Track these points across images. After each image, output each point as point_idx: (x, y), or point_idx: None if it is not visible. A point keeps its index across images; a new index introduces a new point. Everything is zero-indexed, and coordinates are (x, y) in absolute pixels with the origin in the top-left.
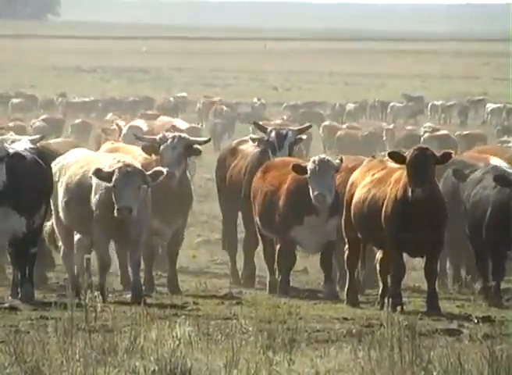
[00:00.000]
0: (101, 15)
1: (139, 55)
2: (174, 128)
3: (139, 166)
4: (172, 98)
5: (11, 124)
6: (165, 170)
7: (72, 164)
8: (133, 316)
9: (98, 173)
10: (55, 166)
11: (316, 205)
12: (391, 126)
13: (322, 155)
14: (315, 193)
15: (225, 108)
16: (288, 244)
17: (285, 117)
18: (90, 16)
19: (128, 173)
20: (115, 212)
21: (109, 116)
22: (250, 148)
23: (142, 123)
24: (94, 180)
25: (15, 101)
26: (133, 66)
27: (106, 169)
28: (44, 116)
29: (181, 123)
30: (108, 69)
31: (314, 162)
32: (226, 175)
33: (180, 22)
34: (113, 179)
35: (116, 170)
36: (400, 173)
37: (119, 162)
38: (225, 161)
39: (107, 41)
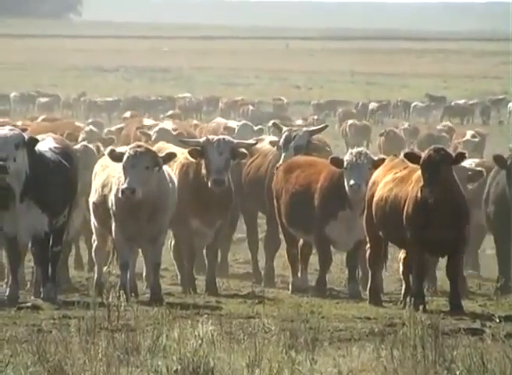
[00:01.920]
0: (122, 14)
1: (161, 54)
2: (227, 129)
3: (152, 148)
4: (193, 99)
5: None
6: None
7: (110, 165)
8: (156, 316)
9: (112, 153)
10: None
11: (350, 197)
12: (406, 124)
13: (360, 148)
14: (351, 183)
15: (251, 107)
16: (323, 241)
17: (315, 117)
18: (111, 15)
19: (136, 153)
20: (119, 193)
21: (128, 114)
22: (266, 147)
23: (169, 125)
24: (114, 179)
25: (42, 100)
26: (155, 65)
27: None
28: (43, 116)
29: (234, 124)
30: (130, 68)
31: (351, 154)
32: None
33: (202, 21)
34: (123, 159)
35: (127, 150)
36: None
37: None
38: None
39: (128, 40)
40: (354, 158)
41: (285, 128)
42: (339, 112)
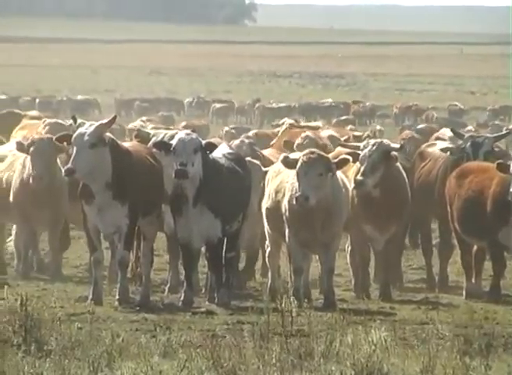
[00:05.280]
0: (296, 20)
1: (335, 60)
2: (438, 139)
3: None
4: (367, 103)
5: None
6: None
7: (284, 171)
8: (329, 321)
9: (286, 159)
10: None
11: None
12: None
13: None
14: (511, 189)
15: (435, 114)
16: (497, 248)
17: (496, 122)
18: (285, 21)
19: (310, 160)
20: (293, 200)
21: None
22: (437, 151)
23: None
24: (287, 185)
25: (217, 105)
26: (329, 71)
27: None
28: (183, 123)
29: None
30: (304, 74)
31: None
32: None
33: (376, 27)
34: (297, 166)
35: (301, 157)
36: None
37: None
38: (414, 164)
39: (302, 46)
40: None
41: (467, 134)
42: None
